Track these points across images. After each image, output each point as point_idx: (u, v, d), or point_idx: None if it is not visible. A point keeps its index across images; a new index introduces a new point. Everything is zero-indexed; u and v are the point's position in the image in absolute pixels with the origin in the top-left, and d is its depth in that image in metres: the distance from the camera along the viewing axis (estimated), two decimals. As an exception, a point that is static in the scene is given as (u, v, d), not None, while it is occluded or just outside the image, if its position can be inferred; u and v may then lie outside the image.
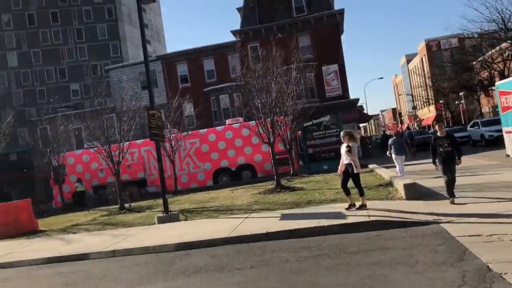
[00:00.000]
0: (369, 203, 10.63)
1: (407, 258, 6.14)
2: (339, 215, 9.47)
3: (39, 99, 68.21)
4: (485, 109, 61.29)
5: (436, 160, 9.93)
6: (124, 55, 69.67)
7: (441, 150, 9.68)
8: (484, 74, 49.61)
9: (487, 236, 6.69)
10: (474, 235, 6.80)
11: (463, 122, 62.22)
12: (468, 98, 69.74)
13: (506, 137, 17.68)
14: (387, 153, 16.57)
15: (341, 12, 38.44)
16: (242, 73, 16.70)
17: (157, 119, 13.30)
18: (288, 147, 22.06)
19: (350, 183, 10.48)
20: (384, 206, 10.09)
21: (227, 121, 27.17)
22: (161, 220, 12.73)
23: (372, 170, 19.42)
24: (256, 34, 38.37)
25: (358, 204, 10.17)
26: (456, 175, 9.83)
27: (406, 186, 10.83)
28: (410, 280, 5.27)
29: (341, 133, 10.59)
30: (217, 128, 26.95)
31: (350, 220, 8.82)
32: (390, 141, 16.58)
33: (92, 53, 70.23)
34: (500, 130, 20.30)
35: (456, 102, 67.81)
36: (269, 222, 9.96)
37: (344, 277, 5.72)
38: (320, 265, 6.43)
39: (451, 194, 9.56)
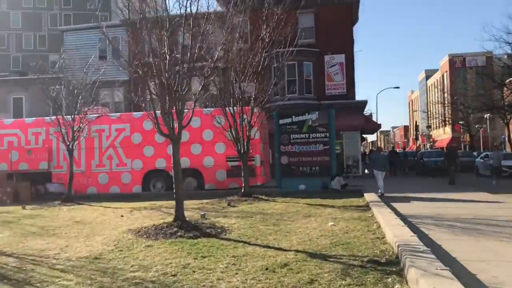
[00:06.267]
0: None
1: None
2: None
3: (13, 67, 60.71)
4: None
5: None
6: (113, 29, 62.12)
7: None
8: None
9: None
10: None
11: (481, 149, 54.19)
12: (492, 122, 61.72)
13: None
14: (366, 169, 17.41)
15: (357, -6, 30.47)
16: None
17: None
18: (242, 150, 14.20)
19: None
20: None
21: (175, 105, 19.33)
22: None
23: (367, 206, 11.41)
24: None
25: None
26: None
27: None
28: None
29: None
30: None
31: None
32: (372, 156, 16.96)
33: (78, 22, 62.73)
34: None
35: (477, 126, 59.64)
36: None
37: None
38: None
39: None
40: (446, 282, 3.77)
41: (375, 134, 63.22)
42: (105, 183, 18.39)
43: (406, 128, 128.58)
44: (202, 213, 9.95)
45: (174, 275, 5.43)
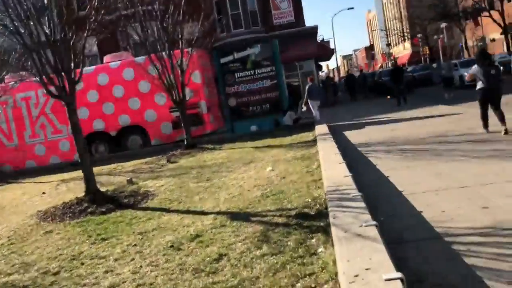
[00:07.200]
0: None
1: None
2: None
3: None
4: (470, 42, 52.57)
5: None
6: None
7: None
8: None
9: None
10: None
11: (441, 60, 53.67)
12: (449, 32, 61.11)
13: None
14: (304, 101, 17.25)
15: None
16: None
17: None
18: (178, 98, 12.87)
19: None
20: None
21: (105, 58, 17.52)
22: None
23: (315, 141, 10.40)
24: None
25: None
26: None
27: None
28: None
29: None
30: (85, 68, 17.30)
31: None
32: (307, 87, 16.73)
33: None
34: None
35: (435, 37, 58.95)
36: None
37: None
38: None
39: None
40: (367, 248, 2.76)
41: (335, 60, 61.94)
42: (42, 154, 16.86)
43: (367, 50, 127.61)
44: (129, 178, 8.79)
45: (56, 273, 4.33)
